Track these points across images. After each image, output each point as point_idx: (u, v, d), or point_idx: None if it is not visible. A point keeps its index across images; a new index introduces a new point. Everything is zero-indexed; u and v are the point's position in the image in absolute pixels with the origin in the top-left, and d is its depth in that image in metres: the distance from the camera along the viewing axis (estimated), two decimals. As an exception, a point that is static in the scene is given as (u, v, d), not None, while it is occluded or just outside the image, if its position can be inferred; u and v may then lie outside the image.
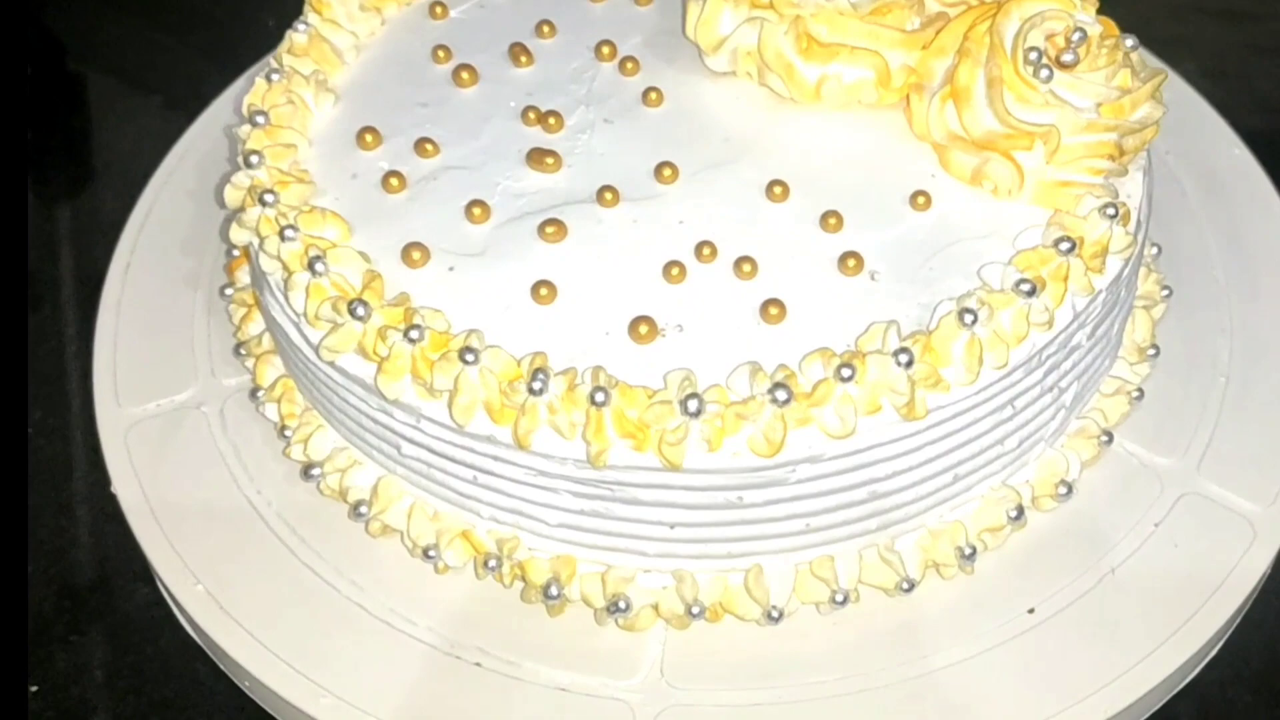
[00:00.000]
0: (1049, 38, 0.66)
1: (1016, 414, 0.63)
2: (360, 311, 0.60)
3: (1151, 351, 0.72)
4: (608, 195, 0.66)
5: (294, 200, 0.67)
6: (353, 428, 0.66)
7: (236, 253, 0.77)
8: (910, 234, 0.65)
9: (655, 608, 0.63)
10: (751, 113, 0.70)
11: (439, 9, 0.78)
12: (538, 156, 0.68)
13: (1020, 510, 0.65)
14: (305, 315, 0.63)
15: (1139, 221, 0.66)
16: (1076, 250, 0.61)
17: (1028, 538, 0.67)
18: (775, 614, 0.63)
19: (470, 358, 0.58)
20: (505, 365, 0.59)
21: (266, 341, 0.72)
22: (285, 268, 0.64)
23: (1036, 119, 0.64)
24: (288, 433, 0.69)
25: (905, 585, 0.64)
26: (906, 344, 0.58)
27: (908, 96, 0.68)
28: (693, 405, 0.57)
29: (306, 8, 0.77)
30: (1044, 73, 0.64)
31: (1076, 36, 0.66)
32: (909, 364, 0.58)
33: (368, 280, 0.62)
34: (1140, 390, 0.71)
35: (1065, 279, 0.61)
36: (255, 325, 0.73)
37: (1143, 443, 0.71)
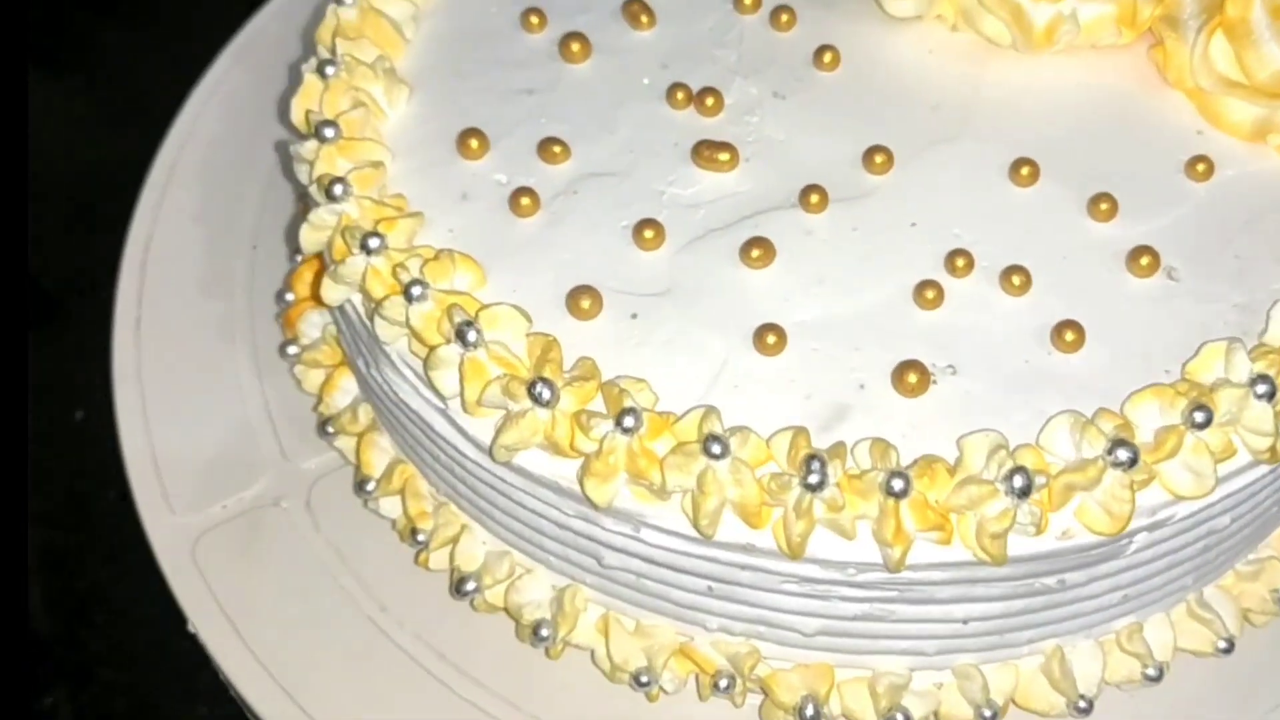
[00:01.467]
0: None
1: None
2: (545, 395, 0.45)
3: None
4: (813, 197, 0.51)
5: (402, 240, 0.51)
6: (523, 532, 0.51)
7: (291, 296, 0.61)
8: (1199, 213, 0.52)
9: (935, 715, 0.51)
10: (958, 69, 0.56)
11: (513, -41, 0.61)
12: (707, 151, 0.53)
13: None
14: (462, 401, 0.47)
15: None
16: None
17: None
18: (1085, 704, 0.51)
19: (716, 449, 0.44)
20: (757, 451, 0.45)
21: (363, 415, 0.56)
22: (419, 338, 0.48)
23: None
24: (421, 537, 0.54)
25: (1224, 645, 0.52)
26: (1261, 367, 0.46)
27: (1155, 32, 0.55)
28: (1019, 482, 0.44)
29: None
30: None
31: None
32: (1271, 395, 0.45)
33: (543, 349, 0.47)
34: None
35: None
36: (343, 395, 0.57)
37: None
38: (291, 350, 0.59)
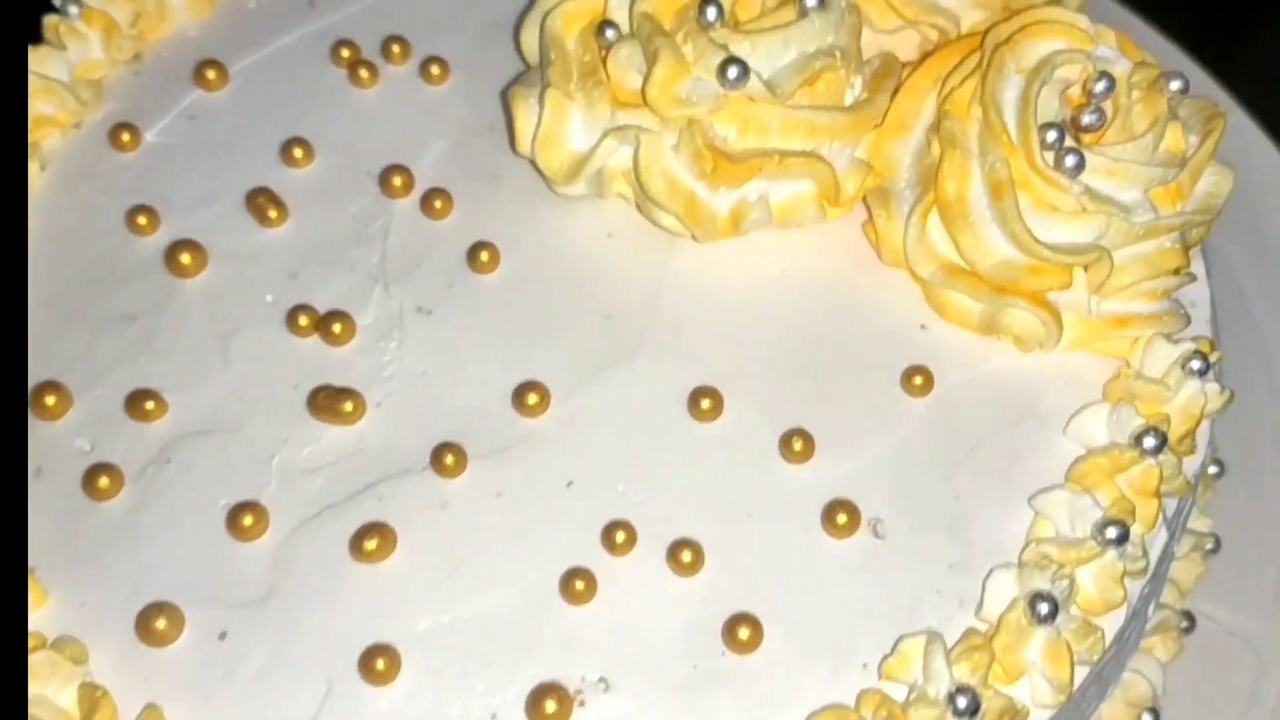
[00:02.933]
0: (1062, 94, 0.44)
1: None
2: (83, 779, 0.36)
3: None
4: (448, 458, 0.42)
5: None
6: None
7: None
8: (915, 440, 0.43)
9: None
10: (636, 261, 0.46)
11: (126, 135, 0.51)
12: (326, 401, 0.44)
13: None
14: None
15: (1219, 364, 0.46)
16: (1166, 445, 0.41)
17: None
18: None
19: None
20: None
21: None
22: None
23: (1074, 238, 0.42)
24: None
25: None
26: (965, 679, 0.37)
27: (867, 206, 0.46)
28: None
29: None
30: (1071, 159, 0.42)
31: (1100, 86, 0.44)
32: (973, 712, 0.37)
33: (90, 706, 0.38)
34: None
35: (1157, 492, 0.41)
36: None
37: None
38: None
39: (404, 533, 0.41)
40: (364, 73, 0.52)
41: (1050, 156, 0.42)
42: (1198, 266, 0.47)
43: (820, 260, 0.46)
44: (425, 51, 0.52)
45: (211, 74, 0.53)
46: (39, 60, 0.52)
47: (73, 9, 0.54)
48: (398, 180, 0.48)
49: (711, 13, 0.44)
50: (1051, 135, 0.42)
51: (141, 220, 0.48)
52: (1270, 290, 0.63)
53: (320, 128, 0.51)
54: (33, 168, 0.51)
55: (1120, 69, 0.44)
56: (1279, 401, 0.61)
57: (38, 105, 0.52)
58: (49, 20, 0.54)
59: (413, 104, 0.51)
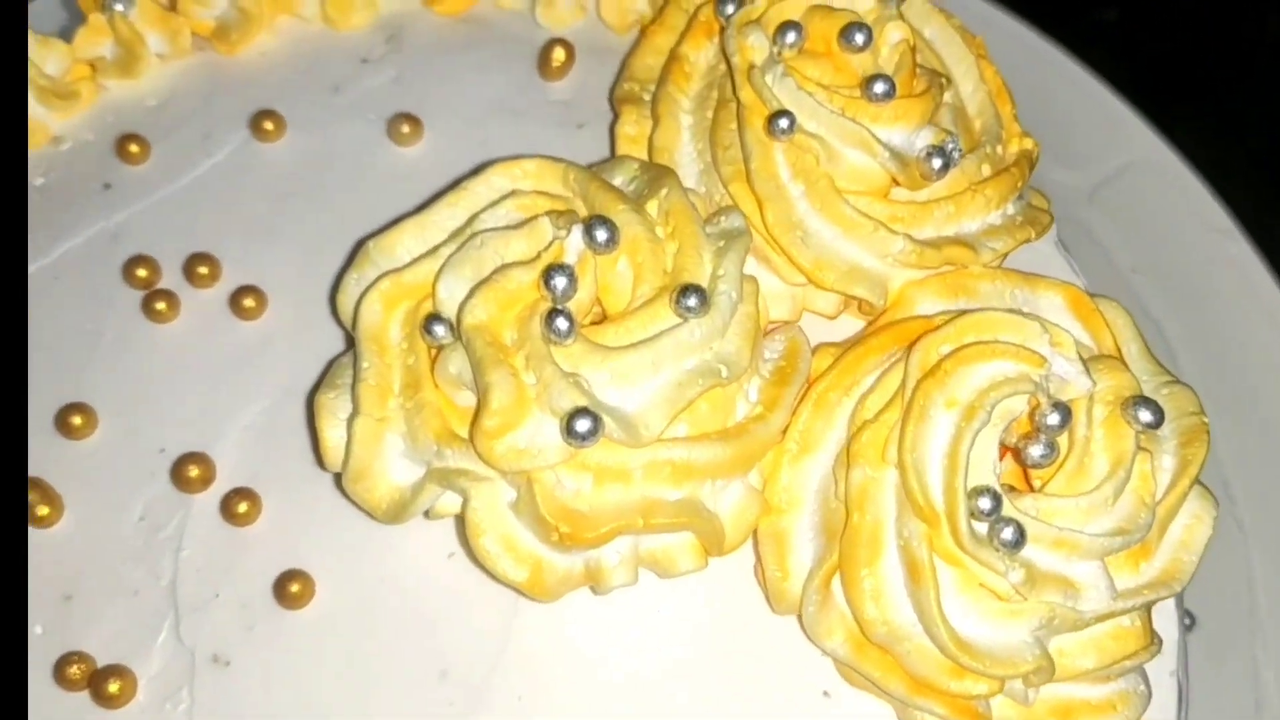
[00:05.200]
0: (1005, 428, 0.35)
1: None
2: None
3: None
4: None
5: None
6: None
7: None
8: None
9: None
10: (480, 597, 0.38)
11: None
12: (92, 798, 0.36)
13: None
14: None
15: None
16: None
17: None
18: None
19: None
20: None
21: None
22: None
23: (1009, 633, 0.34)
24: None
25: None
26: None
27: (756, 548, 0.37)
28: None
29: None
30: (1007, 533, 0.33)
31: (1053, 420, 0.34)
32: None
33: None
34: None
35: None
36: None
37: None
38: None
39: None
40: (161, 305, 0.42)
41: (983, 528, 0.33)
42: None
43: (698, 605, 0.37)
44: (237, 276, 0.43)
45: (-20, 294, 0.43)
46: None
47: None
48: (194, 471, 0.39)
49: (563, 325, 0.34)
50: (985, 503, 0.33)
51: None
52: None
53: (105, 381, 0.41)
54: None
55: (1079, 389, 0.35)
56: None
57: None
58: None
59: (220, 350, 0.42)
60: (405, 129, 0.45)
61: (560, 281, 0.35)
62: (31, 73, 0.46)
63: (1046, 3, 0.66)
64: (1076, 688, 0.35)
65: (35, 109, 0.46)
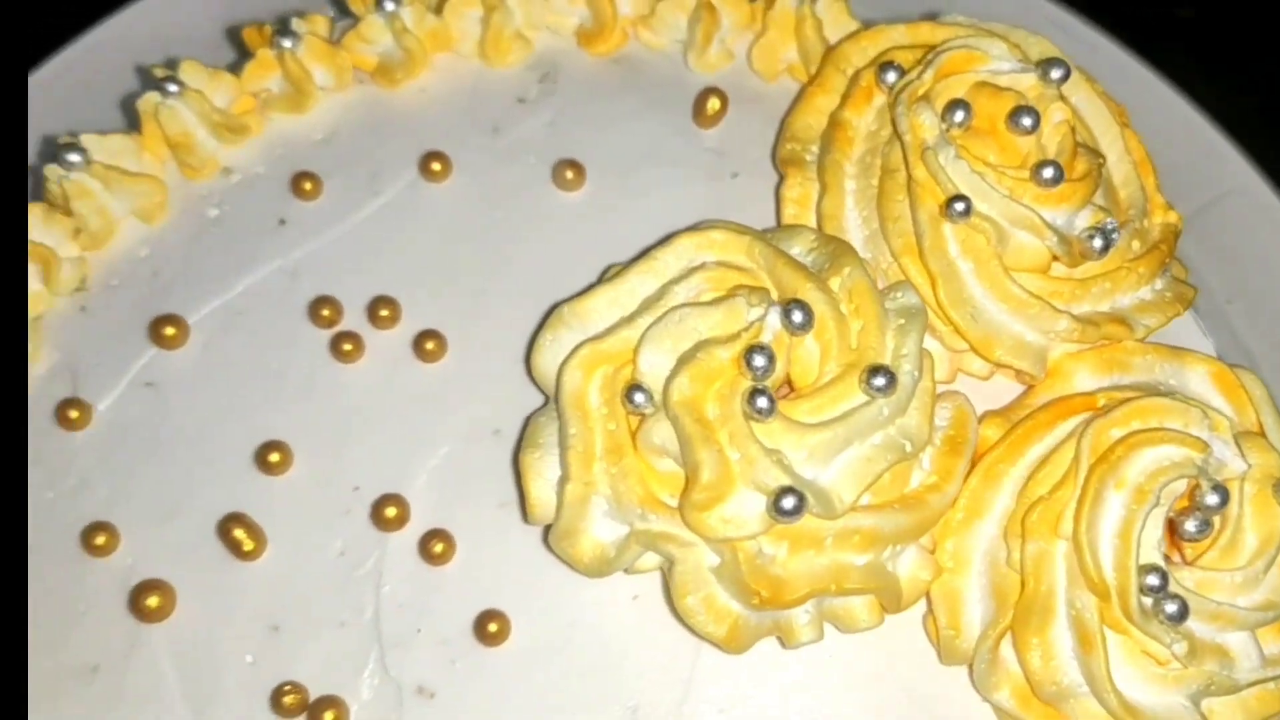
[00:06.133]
0: (1167, 512, 0.38)
1: None
2: None
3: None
4: None
5: None
6: None
7: None
8: None
9: None
10: (665, 639, 0.41)
11: (75, 412, 0.44)
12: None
13: None
14: None
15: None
16: None
17: None
18: None
19: None
20: None
21: None
22: None
23: (1167, 704, 0.37)
24: None
25: None
26: None
27: (929, 601, 0.40)
28: None
29: None
30: (1171, 608, 0.37)
31: (1212, 500, 0.38)
32: None
33: None
34: None
35: None
36: None
37: None
38: None
39: None
40: (347, 345, 0.45)
41: (1149, 602, 0.37)
42: None
43: (872, 656, 0.41)
44: (417, 318, 0.45)
45: (170, 330, 0.45)
46: (-36, 309, 0.45)
47: (2, 235, 0.46)
48: (391, 511, 0.42)
49: (764, 404, 0.37)
50: (1153, 580, 0.37)
51: (99, 540, 0.43)
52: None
53: (299, 421, 0.44)
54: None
55: (1235, 470, 0.38)
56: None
57: (-34, 364, 0.45)
58: (-25, 251, 0.46)
59: (405, 391, 0.44)
60: (569, 175, 0.47)
61: (761, 361, 0.37)
62: (203, 106, 0.48)
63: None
64: (1219, 739, 0.39)
65: (206, 141, 0.48)
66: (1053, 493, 0.38)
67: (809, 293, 0.39)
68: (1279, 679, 0.38)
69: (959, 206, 0.40)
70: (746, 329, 0.38)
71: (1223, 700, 0.38)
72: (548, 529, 0.40)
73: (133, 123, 0.49)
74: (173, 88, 0.48)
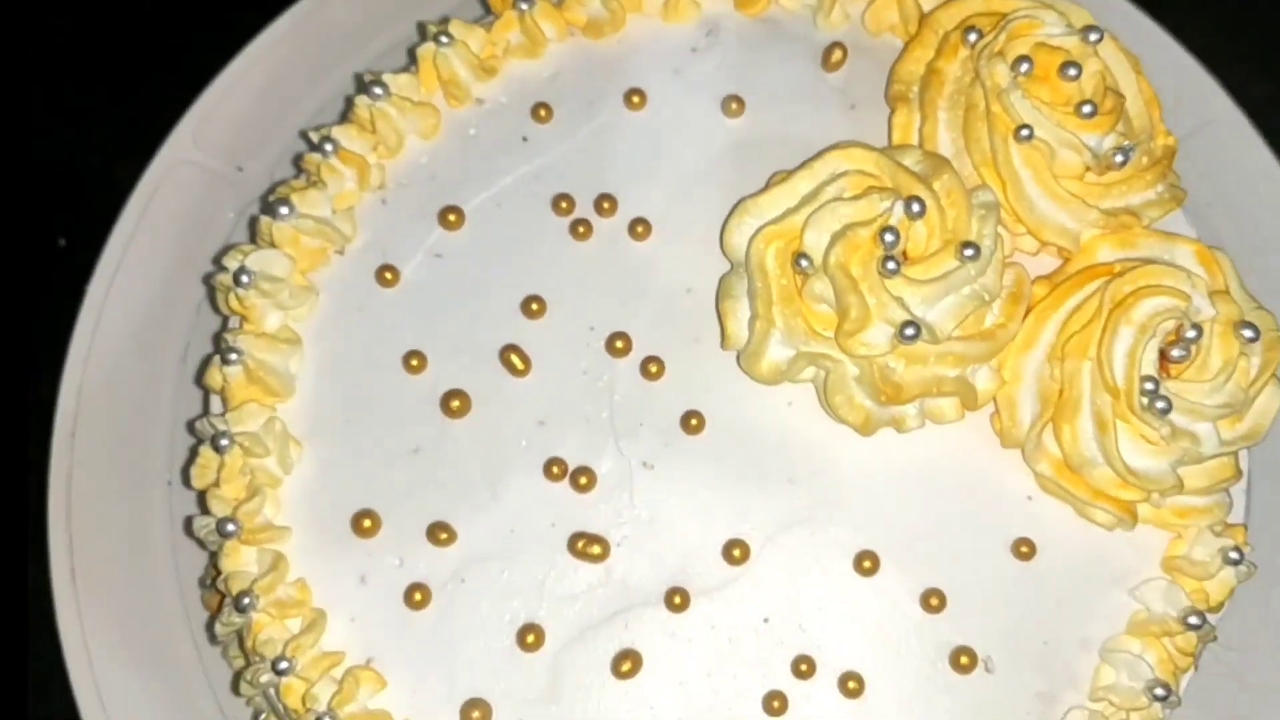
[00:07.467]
0: (1161, 341, 0.56)
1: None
2: (445, 838, 0.54)
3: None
4: (676, 598, 0.57)
5: (308, 652, 0.57)
6: None
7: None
8: (1018, 599, 0.58)
9: None
10: (813, 434, 0.59)
11: (389, 274, 0.62)
12: (581, 544, 0.58)
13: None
14: (372, 831, 0.56)
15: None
16: (1205, 623, 0.56)
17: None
18: None
19: None
20: None
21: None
22: (331, 767, 0.56)
23: (1157, 463, 0.56)
24: None
25: None
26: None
27: (995, 404, 0.59)
28: None
29: (230, 326, 0.61)
30: (1161, 404, 0.55)
31: (1191, 334, 0.56)
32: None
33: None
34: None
35: (1194, 653, 0.57)
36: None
37: None
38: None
39: (647, 657, 0.57)
40: (581, 229, 0.63)
41: (1145, 400, 0.55)
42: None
43: (957, 442, 0.59)
44: (631, 209, 0.63)
45: (452, 216, 0.63)
46: (304, 202, 0.63)
47: (328, 146, 0.63)
48: (619, 343, 0.61)
49: (892, 266, 0.55)
50: (1149, 386, 0.55)
51: (414, 363, 0.61)
52: None
53: (550, 282, 0.62)
54: (310, 297, 0.63)
55: (1207, 315, 0.56)
56: None
57: (308, 241, 0.63)
58: (309, 158, 0.64)
59: (623, 262, 0.62)
60: (734, 106, 0.65)
61: (890, 238, 0.55)
62: (464, 52, 0.65)
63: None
64: (1191, 498, 0.57)
65: (467, 78, 0.66)
66: (1082, 329, 0.56)
67: (920, 191, 0.56)
68: (1232, 454, 0.57)
69: (1024, 133, 0.58)
70: (879, 216, 0.56)
71: (1194, 469, 0.57)
72: (737, 356, 0.58)
73: (410, 64, 0.67)
74: (444, 39, 0.65)
